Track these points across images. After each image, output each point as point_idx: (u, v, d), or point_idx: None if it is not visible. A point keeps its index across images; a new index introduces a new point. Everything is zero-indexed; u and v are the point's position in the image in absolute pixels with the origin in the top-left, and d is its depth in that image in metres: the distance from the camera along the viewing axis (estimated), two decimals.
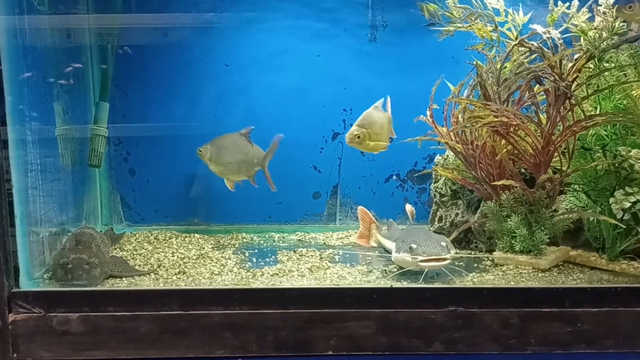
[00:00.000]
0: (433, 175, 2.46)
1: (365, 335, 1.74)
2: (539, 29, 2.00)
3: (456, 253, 1.96)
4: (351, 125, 2.61)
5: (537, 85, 2.01)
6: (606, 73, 1.99)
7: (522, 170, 2.12)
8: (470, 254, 2.20)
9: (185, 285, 1.88)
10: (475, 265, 2.06)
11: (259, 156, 2.35)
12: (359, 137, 2.22)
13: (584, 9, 2.01)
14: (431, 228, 2.35)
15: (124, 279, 1.95)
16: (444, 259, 1.83)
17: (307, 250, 2.25)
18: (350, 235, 2.52)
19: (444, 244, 1.86)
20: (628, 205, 1.87)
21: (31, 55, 1.99)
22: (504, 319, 1.74)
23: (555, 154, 1.98)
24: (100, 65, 2.47)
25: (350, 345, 1.74)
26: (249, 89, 2.55)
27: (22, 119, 1.91)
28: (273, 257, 2.19)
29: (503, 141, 2.03)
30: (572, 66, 1.95)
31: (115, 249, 2.28)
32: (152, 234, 2.49)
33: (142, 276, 1.97)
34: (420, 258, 1.83)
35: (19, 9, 1.93)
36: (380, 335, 1.74)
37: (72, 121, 2.33)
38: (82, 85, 2.44)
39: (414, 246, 1.85)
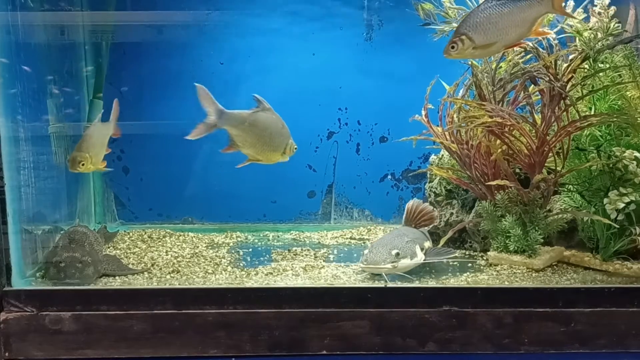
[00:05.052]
0: (428, 175, 2.47)
1: (359, 334, 1.74)
2: None
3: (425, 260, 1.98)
4: (347, 124, 2.63)
5: (532, 86, 2.01)
6: (601, 74, 2.00)
7: (517, 170, 2.12)
8: (465, 254, 2.21)
9: (179, 284, 1.87)
10: (470, 265, 2.06)
11: None
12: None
13: (579, 10, 2.01)
14: (427, 227, 2.34)
15: (117, 277, 1.94)
16: (381, 268, 1.87)
17: (302, 250, 2.24)
18: (345, 234, 2.52)
19: (394, 252, 1.88)
20: (622, 205, 1.88)
21: (24, 52, 1.98)
22: (497, 319, 1.74)
23: (550, 154, 1.99)
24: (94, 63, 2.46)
25: (344, 345, 1.74)
26: (244, 88, 2.55)
27: (15, 116, 1.90)
28: (267, 256, 2.19)
29: (498, 141, 2.03)
30: (567, 67, 1.95)
31: (108, 247, 2.27)
32: (145, 233, 2.48)
33: (135, 275, 1.96)
34: (360, 265, 1.91)
35: (12, 5, 1.92)
36: (375, 335, 1.74)
37: (65, 119, 2.32)
38: (76, 83, 2.43)
39: (366, 251, 1.93)
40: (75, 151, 2.04)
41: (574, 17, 1.95)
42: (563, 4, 1.81)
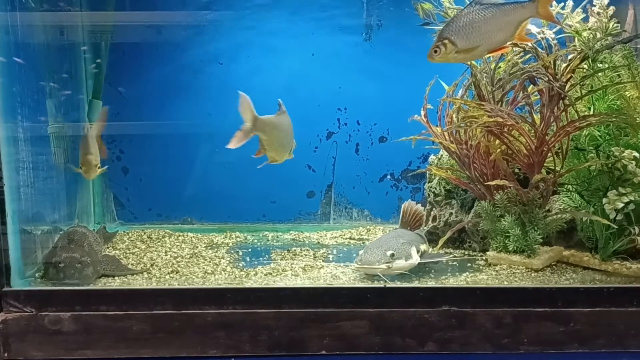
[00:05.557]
0: (427, 175, 2.46)
1: (358, 334, 1.74)
2: (533, 29, 2.01)
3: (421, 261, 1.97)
4: (346, 125, 2.63)
5: (531, 86, 2.01)
6: (600, 74, 2.00)
7: (516, 170, 2.12)
8: (464, 253, 2.21)
9: (178, 284, 1.87)
10: (469, 265, 2.07)
11: None
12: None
13: (578, 10, 2.01)
14: (425, 227, 2.35)
15: (116, 278, 1.94)
16: (376, 268, 1.87)
17: (301, 250, 2.24)
18: (344, 235, 2.52)
19: (389, 253, 1.89)
20: (621, 205, 1.88)
21: (24, 52, 1.98)
22: (497, 319, 1.74)
23: (549, 154, 1.99)
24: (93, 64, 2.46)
25: (343, 345, 1.74)
26: (243, 88, 2.54)
27: (14, 116, 1.90)
28: (267, 256, 2.19)
29: (497, 141, 2.03)
30: (566, 67, 1.95)
31: (107, 247, 2.27)
32: (145, 233, 2.48)
33: (134, 275, 1.96)
34: (355, 265, 1.91)
35: (11, 5, 1.92)
36: (374, 335, 1.74)
37: (64, 119, 2.32)
38: (76, 83, 2.43)
39: (361, 252, 1.93)
40: (88, 155, 2.05)
41: (558, 23, 1.95)
42: (550, 7, 1.81)
